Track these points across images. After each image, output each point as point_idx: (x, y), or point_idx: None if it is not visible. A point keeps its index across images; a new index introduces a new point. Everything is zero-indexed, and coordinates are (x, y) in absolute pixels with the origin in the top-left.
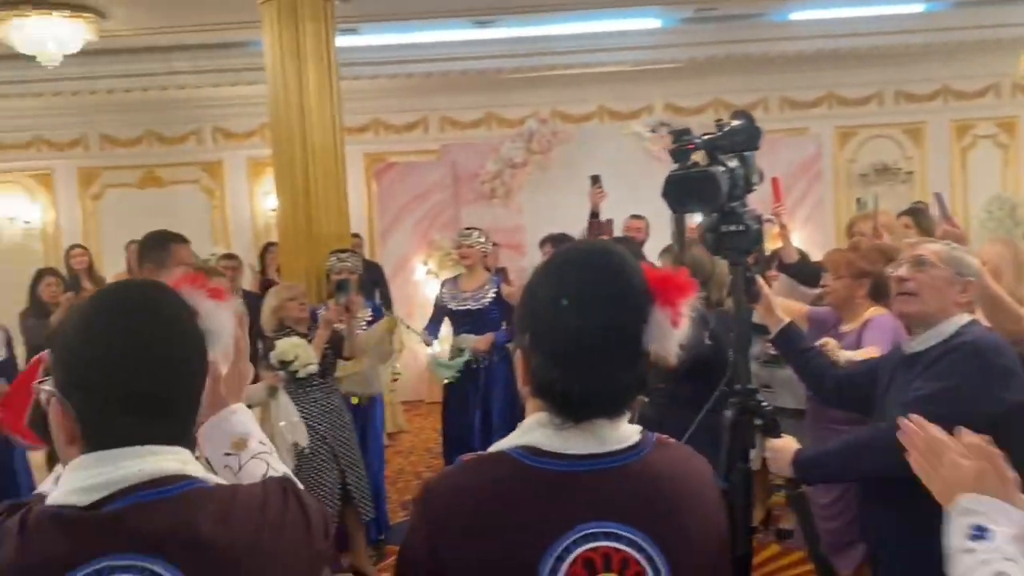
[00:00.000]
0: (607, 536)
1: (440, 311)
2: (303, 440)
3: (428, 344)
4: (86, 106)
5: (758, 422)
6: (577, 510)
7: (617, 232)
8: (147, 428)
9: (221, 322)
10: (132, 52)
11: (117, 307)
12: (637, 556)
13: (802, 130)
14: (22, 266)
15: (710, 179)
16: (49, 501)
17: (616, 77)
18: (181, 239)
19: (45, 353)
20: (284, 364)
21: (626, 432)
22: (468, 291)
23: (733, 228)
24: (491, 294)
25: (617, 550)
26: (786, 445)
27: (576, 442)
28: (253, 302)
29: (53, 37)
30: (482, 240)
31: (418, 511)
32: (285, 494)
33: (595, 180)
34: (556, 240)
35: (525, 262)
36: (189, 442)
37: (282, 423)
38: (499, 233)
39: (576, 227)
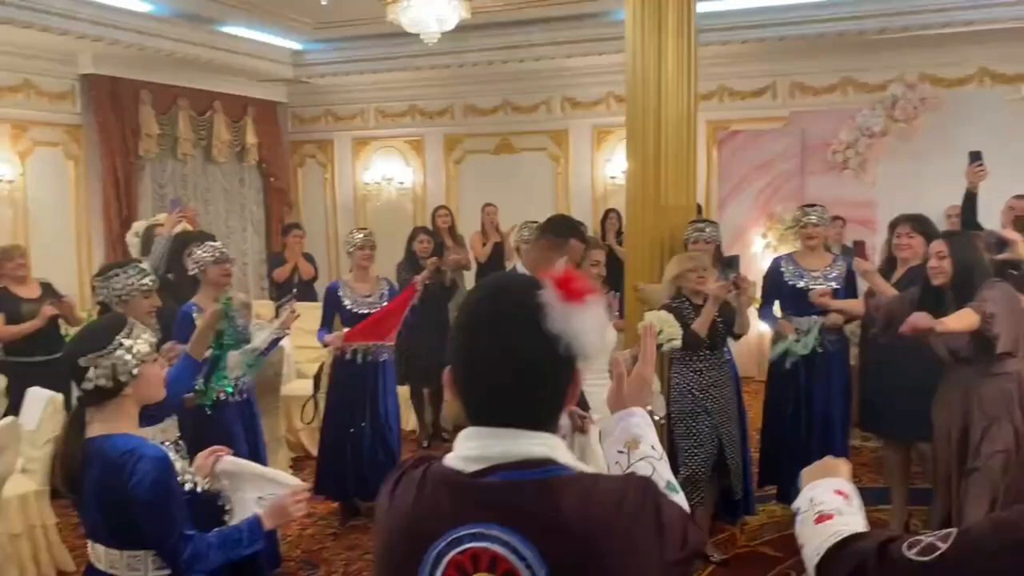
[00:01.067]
0: None
1: (777, 288)
2: (660, 410)
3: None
4: (454, 78)
5: None
6: None
7: (990, 214)
8: (513, 414)
9: (578, 325)
10: (498, 26)
11: (487, 312)
12: None
13: None
14: (395, 222)
15: None
16: (444, 461)
17: (1003, 35)
18: (581, 237)
19: (417, 280)
20: None
21: None
22: (817, 269)
23: None
24: (839, 273)
25: None
26: None
27: None
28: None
29: (435, 16)
30: (826, 217)
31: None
32: (644, 493)
33: (975, 157)
34: (915, 221)
35: (876, 239)
36: (554, 429)
37: None
38: (846, 207)
39: (939, 206)
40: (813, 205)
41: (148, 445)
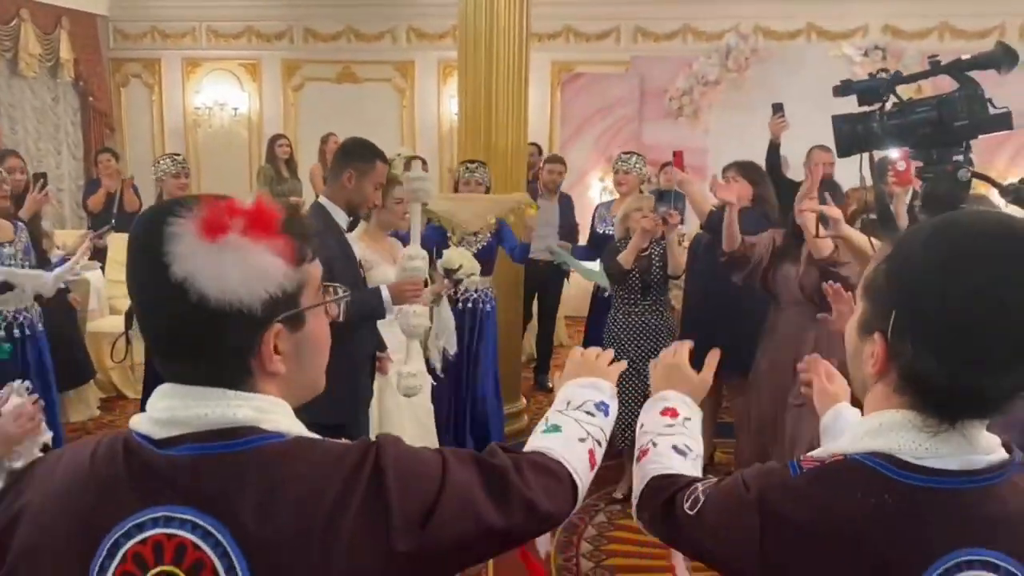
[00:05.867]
0: (984, 566)
1: (594, 235)
2: (451, 347)
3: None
4: None
5: None
6: (952, 536)
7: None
8: (196, 372)
9: (208, 270)
10: None
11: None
12: None
13: None
14: (230, 150)
15: None
16: (131, 424)
17: None
18: (384, 159)
19: None
20: (449, 272)
21: (991, 441)
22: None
23: None
24: None
25: None
26: None
27: (947, 449)
28: None
29: None
30: (640, 166)
31: (754, 524)
32: (359, 469)
33: (777, 109)
34: (744, 168)
35: (705, 187)
36: (263, 387)
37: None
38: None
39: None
40: (628, 153)
41: None
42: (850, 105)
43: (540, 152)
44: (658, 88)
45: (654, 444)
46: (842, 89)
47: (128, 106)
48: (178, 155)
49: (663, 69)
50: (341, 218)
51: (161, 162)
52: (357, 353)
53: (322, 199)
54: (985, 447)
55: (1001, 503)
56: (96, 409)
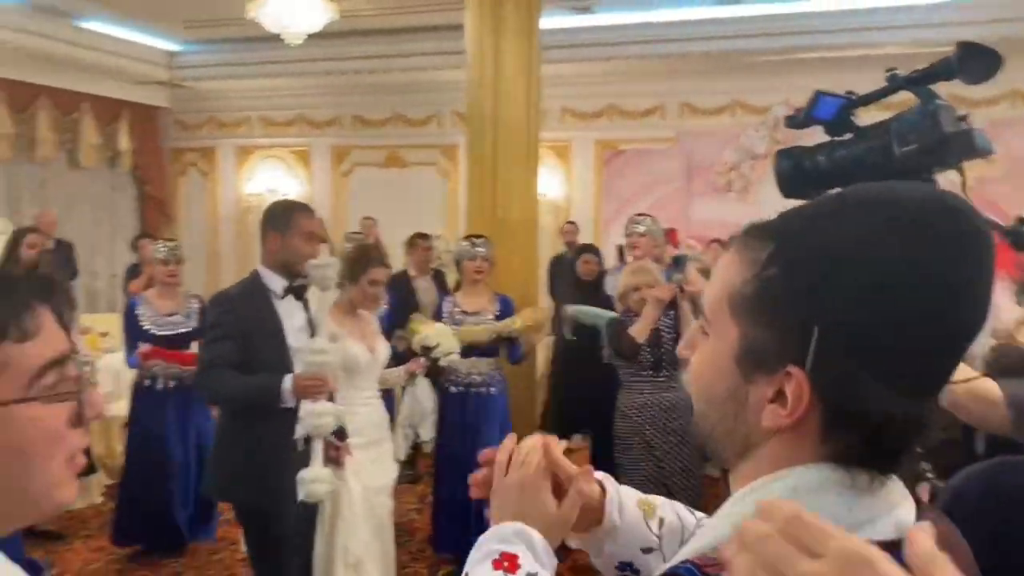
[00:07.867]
0: None
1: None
2: (426, 434)
3: None
4: (342, 87)
5: None
6: None
7: None
8: None
9: None
10: (378, 34)
11: None
12: None
13: None
14: None
15: None
16: None
17: (884, 60)
18: (307, 211)
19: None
20: (427, 350)
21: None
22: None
23: None
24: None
25: None
26: None
27: (880, 507)
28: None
29: (298, 15)
30: (655, 228)
31: None
32: None
33: None
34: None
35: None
36: None
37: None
38: (730, 229)
39: None
40: (641, 215)
41: None
42: None
43: (577, 229)
44: (706, 163)
45: None
46: (792, 120)
47: (186, 194)
48: (172, 240)
49: (710, 143)
50: (276, 284)
51: (156, 247)
52: (268, 437)
53: (258, 267)
54: (902, 493)
55: None
56: (99, 496)
